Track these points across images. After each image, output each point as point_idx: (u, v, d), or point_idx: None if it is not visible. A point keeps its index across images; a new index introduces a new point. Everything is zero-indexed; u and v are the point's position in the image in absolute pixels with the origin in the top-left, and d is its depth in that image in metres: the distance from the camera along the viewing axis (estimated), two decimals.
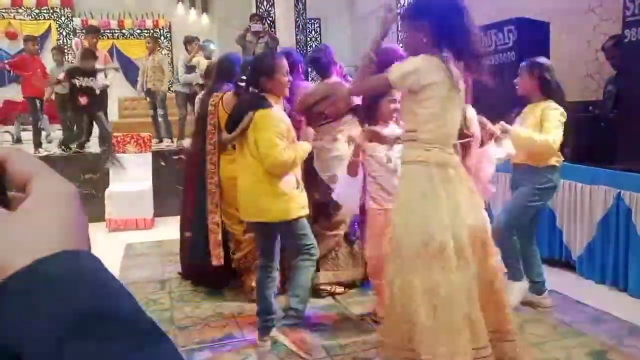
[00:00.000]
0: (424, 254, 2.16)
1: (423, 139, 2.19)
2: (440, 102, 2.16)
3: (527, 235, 3.33)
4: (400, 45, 2.98)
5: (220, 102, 3.42)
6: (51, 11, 13.20)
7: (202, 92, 4.59)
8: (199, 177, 3.56)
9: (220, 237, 3.47)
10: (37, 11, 13.17)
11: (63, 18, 13.26)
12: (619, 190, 3.59)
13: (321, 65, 3.53)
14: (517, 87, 3.36)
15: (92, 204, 6.28)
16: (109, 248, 5.11)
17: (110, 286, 0.35)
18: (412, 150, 2.23)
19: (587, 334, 2.92)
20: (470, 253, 2.21)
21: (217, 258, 3.45)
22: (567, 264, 4.09)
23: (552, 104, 3.17)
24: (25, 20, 13.11)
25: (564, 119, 3.13)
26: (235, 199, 3.36)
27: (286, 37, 8.67)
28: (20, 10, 13.03)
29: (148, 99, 7.68)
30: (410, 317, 2.18)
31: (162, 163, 6.59)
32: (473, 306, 2.19)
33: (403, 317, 2.22)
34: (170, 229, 5.10)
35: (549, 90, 3.20)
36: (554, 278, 3.85)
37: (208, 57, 7.05)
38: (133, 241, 5.20)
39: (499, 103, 3.73)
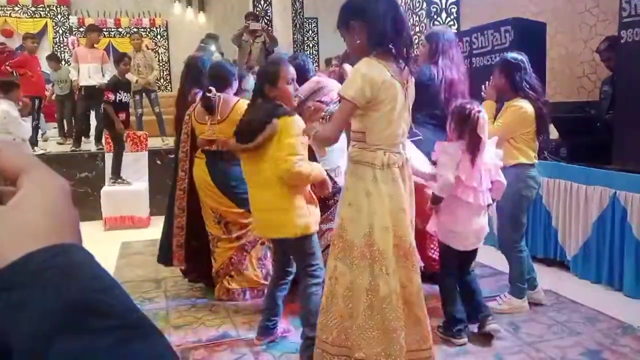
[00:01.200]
0: (367, 255, 2.19)
1: (370, 140, 2.20)
2: (389, 104, 2.16)
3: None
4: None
5: (193, 112, 3.41)
6: (47, 9, 13.16)
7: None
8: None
9: (182, 240, 3.53)
10: (33, 9, 13.12)
11: (59, 16, 13.22)
12: (614, 191, 3.60)
13: (299, 72, 3.53)
14: (486, 87, 3.32)
15: (88, 202, 6.26)
16: (104, 247, 5.10)
17: (101, 280, 0.35)
18: (359, 151, 2.24)
19: (582, 333, 2.93)
20: (413, 252, 2.25)
21: (178, 260, 3.56)
22: (562, 264, 4.10)
23: (517, 102, 3.12)
24: (21, 17, 13.06)
25: (521, 117, 3.09)
26: (208, 197, 3.38)
27: (283, 36, 8.66)
28: (16, 8, 12.98)
29: (137, 97, 7.48)
30: (352, 316, 2.22)
31: (158, 162, 6.58)
32: (417, 306, 2.25)
33: (346, 315, 2.24)
34: None
35: (518, 89, 3.14)
36: (549, 278, 3.86)
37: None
38: (129, 240, 5.18)
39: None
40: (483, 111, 2.71)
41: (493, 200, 2.85)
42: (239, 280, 3.45)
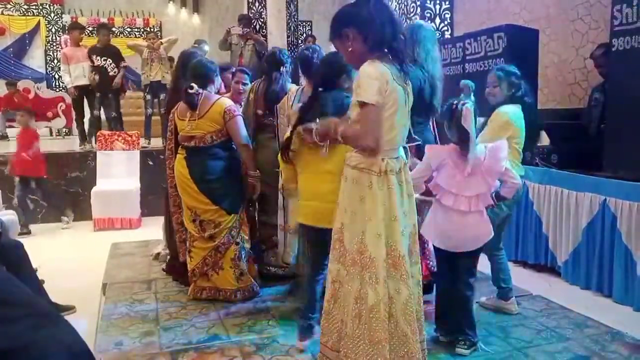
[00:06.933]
0: (358, 262, 2.16)
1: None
2: (392, 107, 2.12)
3: (493, 240, 3.05)
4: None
5: (176, 110, 3.49)
6: (40, 7, 13.10)
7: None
8: None
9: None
10: (25, 7, 13.05)
11: (52, 15, 13.16)
12: (604, 197, 3.63)
13: (310, 66, 3.40)
14: (491, 95, 3.25)
15: (79, 202, 6.24)
16: (95, 247, 5.07)
17: (6, 276, 0.36)
18: (357, 156, 2.20)
19: (571, 339, 2.94)
20: (403, 262, 2.17)
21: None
22: (552, 270, 4.13)
23: (502, 108, 3.13)
24: (13, 15, 12.99)
25: (508, 124, 3.09)
26: (186, 193, 3.42)
27: (277, 38, 8.66)
28: (8, 6, 12.90)
29: (148, 96, 7.37)
30: (343, 320, 2.22)
31: (150, 162, 6.56)
32: (404, 321, 2.17)
33: (339, 318, 2.24)
34: (157, 229, 5.08)
35: (516, 100, 3.16)
36: (540, 283, 3.88)
37: None
38: (119, 241, 5.15)
39: (483, 109, 3.74)
40: (469, 103, 2.68)
41: (499, 198, 2.77)
42: (213, 280, 3.46)
